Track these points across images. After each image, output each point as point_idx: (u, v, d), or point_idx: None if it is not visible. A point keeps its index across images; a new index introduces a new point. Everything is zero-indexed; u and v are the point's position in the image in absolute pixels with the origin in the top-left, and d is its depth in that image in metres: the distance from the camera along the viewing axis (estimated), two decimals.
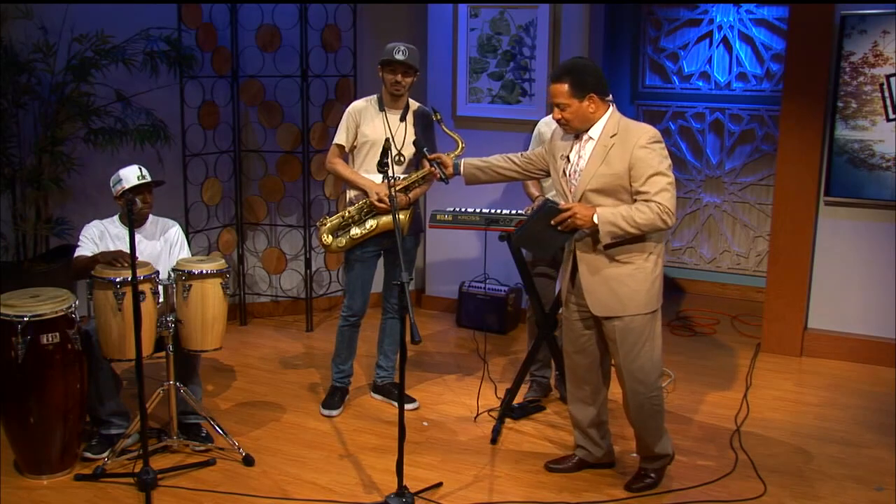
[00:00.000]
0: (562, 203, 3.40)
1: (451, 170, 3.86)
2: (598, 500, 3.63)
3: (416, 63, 4.18)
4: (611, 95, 3.51)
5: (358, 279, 4.38)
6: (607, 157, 3.36)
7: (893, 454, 4.04)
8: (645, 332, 3.48)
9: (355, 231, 4.22)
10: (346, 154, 4.35)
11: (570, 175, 3.48)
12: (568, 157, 3.49)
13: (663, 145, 3.37)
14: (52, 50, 4.92)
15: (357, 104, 4.33)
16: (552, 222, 3.37)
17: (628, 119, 3.46)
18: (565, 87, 3.34)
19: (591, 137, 3.43)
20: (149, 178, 3.93)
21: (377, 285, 4.57)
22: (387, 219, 4.18)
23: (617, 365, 3.57)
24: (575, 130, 3.44)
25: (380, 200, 4.12)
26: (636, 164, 3.31)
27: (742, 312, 6.11)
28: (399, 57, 4.11)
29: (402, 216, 4.10)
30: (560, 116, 3.40)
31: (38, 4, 4.96)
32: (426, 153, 3.97)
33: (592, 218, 3.31)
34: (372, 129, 4.24)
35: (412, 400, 4.51)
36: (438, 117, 4.15)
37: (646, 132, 3.35)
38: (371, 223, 4.21)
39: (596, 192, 3.38)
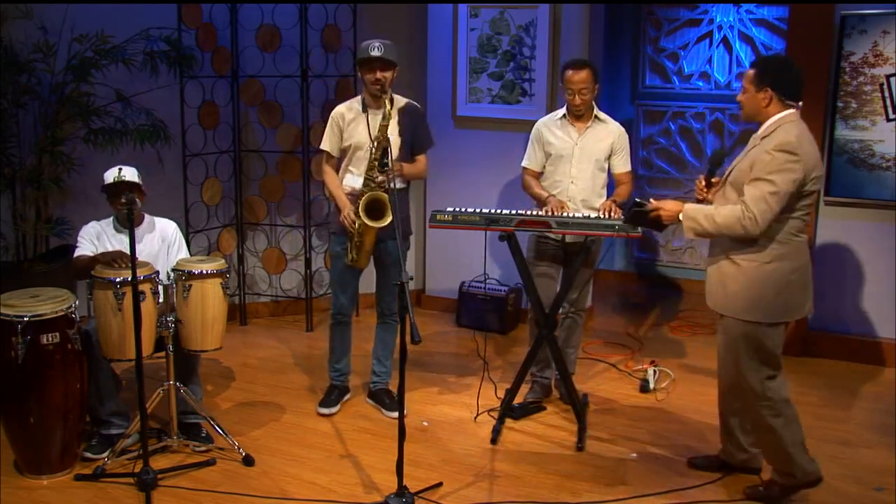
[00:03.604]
0: (647, 204, 3.51)
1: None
2: (598, 500, 3.63)
3: (393, 56, 4.09)
4: (800, 103, 3.41)
5: (340, 276, 4.39)
6: (748, 154, 3.39)
7: (893, 454, 4.04)
8: (739, 340, 3.42)
9: (357, 239, 4.19)
10: (336, 159, 4.32)
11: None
12: None
13: (793, 158, 3.22)
14: (52, 50, 4.92)
15: (339, 108, 4.29)
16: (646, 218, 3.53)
17: (790, 128, 3.30)
18: (752, 72, 3.39)
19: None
20: (125, 179, 3.86)
21: (370, 286, 4.56)
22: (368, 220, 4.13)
23: None
24: (746, 116, 3.46)
25: (345, 217, 4.18)
26: (754, 165, 3.30)
27: None
28: (375, 53, 4.04)
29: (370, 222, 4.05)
30: (740, 98, 3.46)
31: (38, 4, 4.96)
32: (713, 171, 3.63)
33: (678, 215, 3.43)
34: (355, 132, 4.20)
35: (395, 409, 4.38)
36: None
37: (780, 138, 3.28)
38: (359, 224, 4.13)
39: (730, 184, 3.43)
